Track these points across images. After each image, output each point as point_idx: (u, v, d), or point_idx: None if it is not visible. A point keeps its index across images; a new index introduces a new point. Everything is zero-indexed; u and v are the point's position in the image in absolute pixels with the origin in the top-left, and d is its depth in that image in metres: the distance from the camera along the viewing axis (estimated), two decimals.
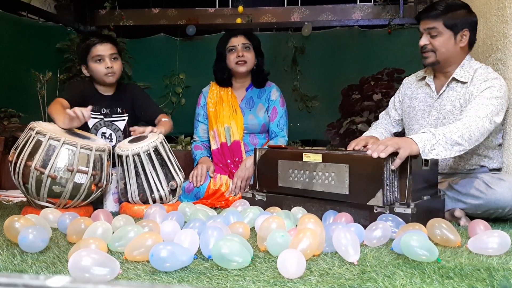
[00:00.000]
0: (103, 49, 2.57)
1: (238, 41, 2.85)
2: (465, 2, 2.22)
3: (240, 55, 2.81)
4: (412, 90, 2.42)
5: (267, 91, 2.93)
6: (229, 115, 2.86)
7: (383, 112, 2.61)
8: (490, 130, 2.02)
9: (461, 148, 1.94)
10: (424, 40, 2.19)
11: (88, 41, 2.59)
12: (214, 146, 2.89)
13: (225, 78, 2.93)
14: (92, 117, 2.55)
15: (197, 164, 2.82)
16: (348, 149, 2.24)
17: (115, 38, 2.74)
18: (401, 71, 3.62)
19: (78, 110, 2.17)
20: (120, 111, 2.68)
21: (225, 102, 2.90)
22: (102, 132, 2.61)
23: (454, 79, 2.21)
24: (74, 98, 2.48)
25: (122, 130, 2.64)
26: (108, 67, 2.55)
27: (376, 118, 2.68)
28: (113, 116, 2.66)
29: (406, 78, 2.54)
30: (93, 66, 2.58)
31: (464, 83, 2.18)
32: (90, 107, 2.24)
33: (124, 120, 2.67)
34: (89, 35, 2.97)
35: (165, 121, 2.61)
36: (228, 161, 2.82)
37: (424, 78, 2.36)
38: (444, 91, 2.24)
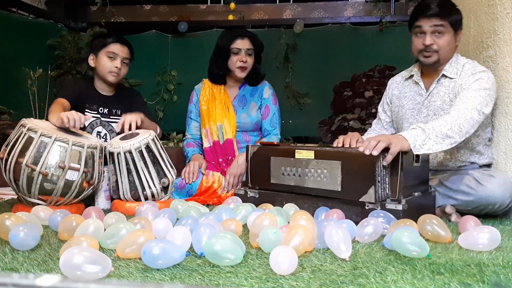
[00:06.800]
0: (120, 50, 2.62)
1: (243, 45, 2.78)
2: None
3: (244, 60, 2.76)
4: (400, 89, 2.41)
5: (260, 89, 2.91)
6: (222, 113, 2.83)
7: (374, 120, 2.60)
8: (479, 121, 2.02)
9: (452, 140, 1.93)
10: (430, 40, 2.13)
11: (110, 38, 2.63)
12: (206, 145, 2.86)
13: (220, 76, 2.88)
14: (88, 114, 2.55)
15: (189, 161, 2.81)
16: (334, 145, 2.23)
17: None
18: (393, 68, 3.63)
19: (71, 116, 2.17)
20: (119, 113, 2.67)
21: (217, 100, 2.87)
22: (98, 131, 2.61)
23: (443, 75, 2.22)
24: (72, 97, 2.50)
25: (116, 133, 2.62)
26: (116, 67, 2.60)
27: (368, 115, 2.68)
28: (110, 117, 2.66)
29: (392, 78, 2.52)
30: (103, 60, 2.60)
31: (452, 78, 2.19)
32: (88, 116, 2.38)
33: None
34: (109, 32, 3.04)
35: (154, 126, 2.63)
36: (220, 159, 2.80)
37: (411, 76, 2.36)
38: (434, 88, 2.25)
